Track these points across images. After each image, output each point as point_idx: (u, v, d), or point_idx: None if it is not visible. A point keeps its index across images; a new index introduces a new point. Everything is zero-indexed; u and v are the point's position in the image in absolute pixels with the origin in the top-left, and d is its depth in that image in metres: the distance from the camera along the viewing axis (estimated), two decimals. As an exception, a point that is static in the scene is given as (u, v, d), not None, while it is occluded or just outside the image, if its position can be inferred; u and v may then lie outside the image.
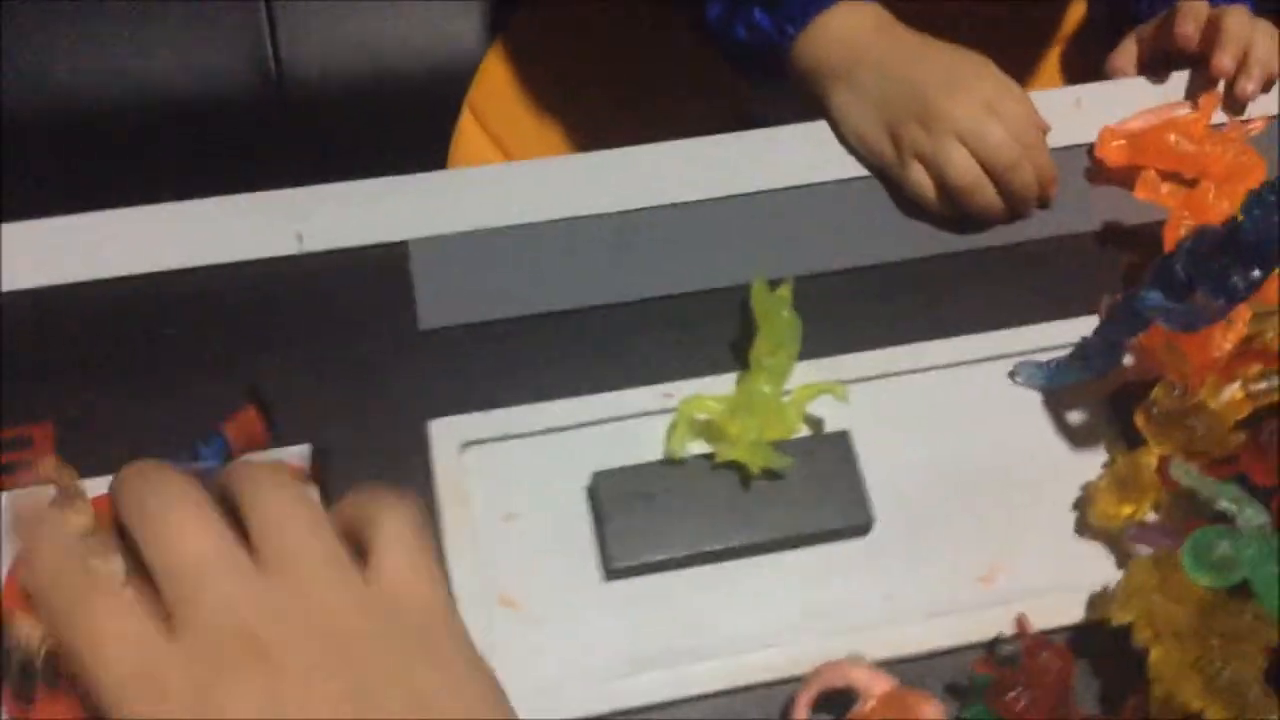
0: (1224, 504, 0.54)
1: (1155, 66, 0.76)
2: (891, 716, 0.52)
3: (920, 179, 0.69)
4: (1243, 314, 0.59)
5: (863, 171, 0.72)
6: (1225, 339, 0.59)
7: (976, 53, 0.70)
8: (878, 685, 0.54)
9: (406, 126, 0.95)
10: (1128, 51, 0.78)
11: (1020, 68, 0.83)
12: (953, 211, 0.69)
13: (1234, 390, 0.58)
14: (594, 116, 0.93)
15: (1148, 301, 0.55)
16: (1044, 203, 0.70)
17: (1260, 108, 0.74)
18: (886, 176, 0.71)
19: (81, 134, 1.00)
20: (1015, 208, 0.69)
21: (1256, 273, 0.52)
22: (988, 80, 0.69)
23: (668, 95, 0.91)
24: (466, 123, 0.95)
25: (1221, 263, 0.52)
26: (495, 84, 0.96)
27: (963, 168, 0.67)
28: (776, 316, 0.62)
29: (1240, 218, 0.52)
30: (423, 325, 0.65)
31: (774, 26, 0.71)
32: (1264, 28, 0.73)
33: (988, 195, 0.68)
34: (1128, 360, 0.62)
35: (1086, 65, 0.86)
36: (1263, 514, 0.54)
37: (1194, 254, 0.54)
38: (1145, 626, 0.55)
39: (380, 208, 0.68)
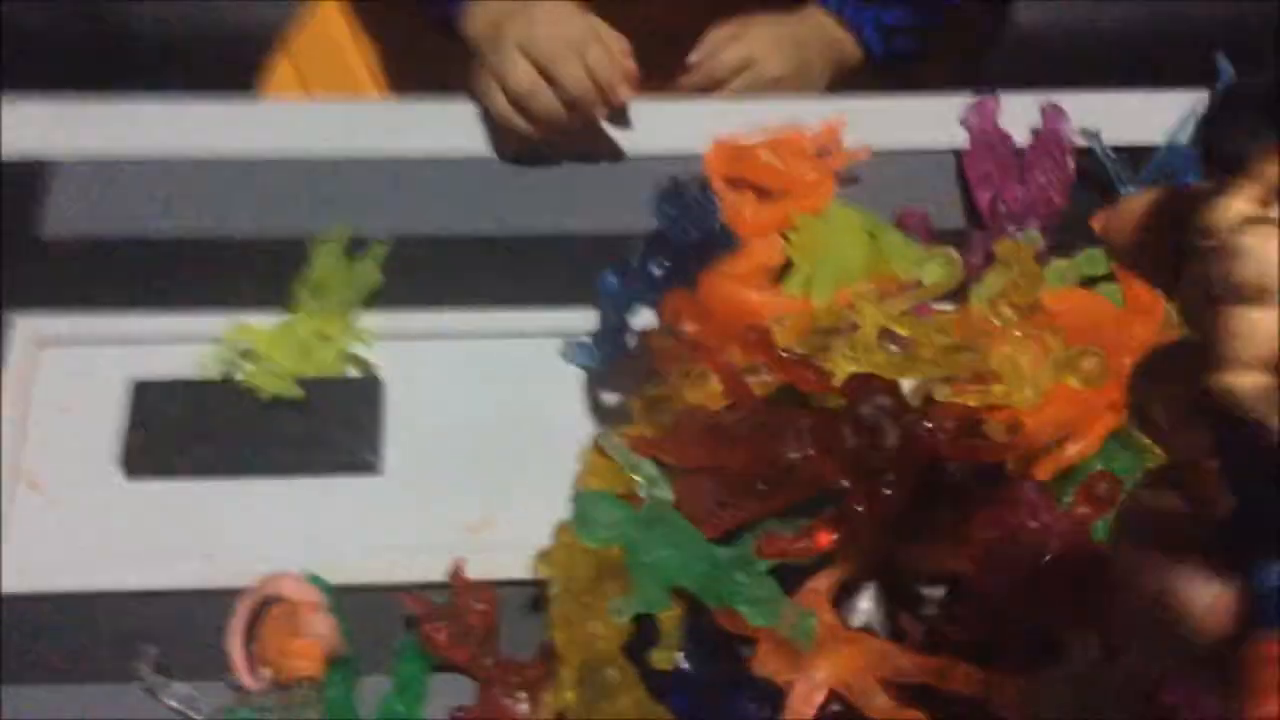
0: (638, 478, 0.58)
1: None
2: (283, 617, 0.57)
3: (493, 97, 0.75)
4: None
5: (483, 151, 0.77)
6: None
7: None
8: (299, 595, 0.59)
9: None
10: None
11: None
12: (531, 130, 0.75)
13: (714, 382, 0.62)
14: (403, 78, 0.99)
15: (604, 285, 0.60)
16: (610, 103, 0.75)
17: (894, 137, 0.77)
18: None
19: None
20: (574, 107, 0.74)
21: (669, 265, 0.56)
22: (561, 11, 0.75)
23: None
24: (282, 67, 1.02)
25: (650, 259, 0.57)
26: (315, 38, 1.02)
27: (519, 72, 0.73)
28: (329, 266, 0.68)
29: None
30: (45, 235, 0.72)
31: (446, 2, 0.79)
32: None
33: (544, 98, 0.74)
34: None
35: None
36: (667, 493, 0.58)
37: (646, 248, 0.58)
38: (556, 581, 0.59)
39: (31, 123, 0.75)
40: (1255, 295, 0.22)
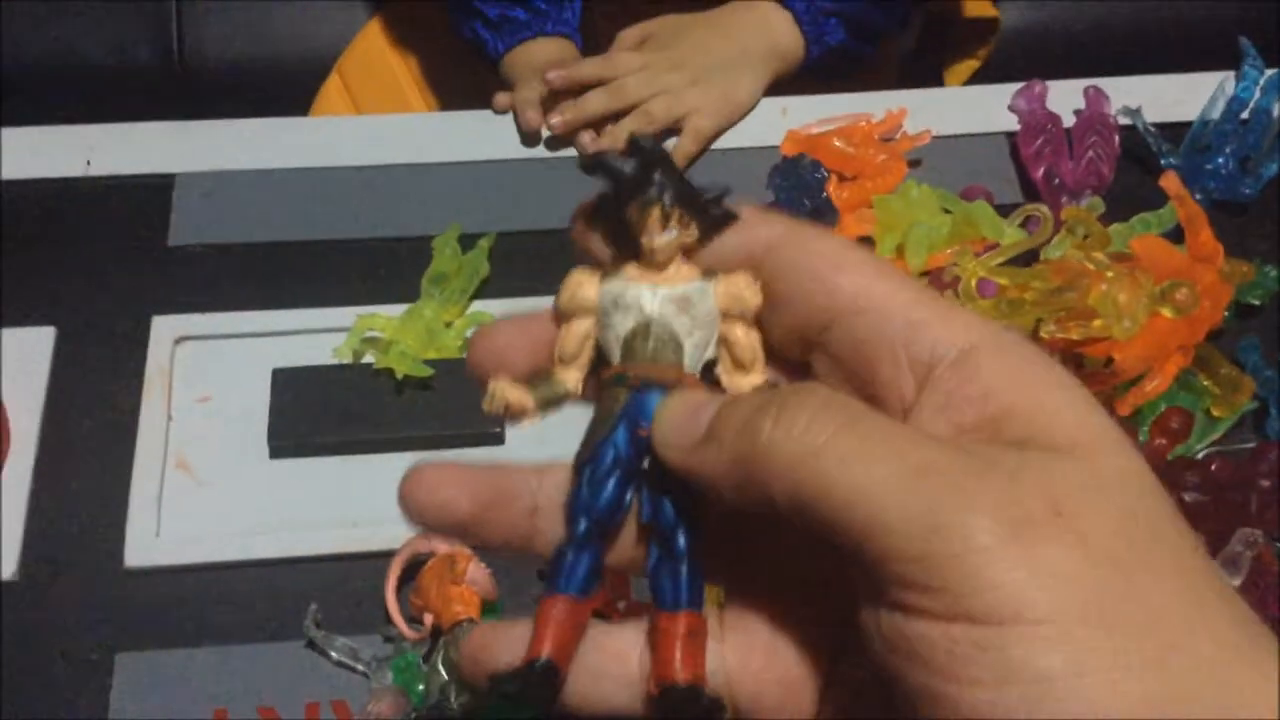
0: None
1: None
2: (442, 567, 0.62)
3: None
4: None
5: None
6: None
7: None
8: (450, 550, 0.64)
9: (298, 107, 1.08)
10: None
11: None
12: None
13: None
14: (443, 92, 1.05)
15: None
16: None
17: (950, 124, 0.83)
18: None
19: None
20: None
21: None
22: None
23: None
24: (331, 82, 1.08)
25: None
26: (364, 51, 1.08)
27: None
28: (446, 256, 0.74)
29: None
30: (171, 242, 0.78)
31: (489, 42, 0.86)
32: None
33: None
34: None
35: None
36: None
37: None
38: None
39: (154, 145, 0.81)
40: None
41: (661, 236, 0.27)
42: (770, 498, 0.24)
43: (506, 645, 0.27)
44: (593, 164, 0.27)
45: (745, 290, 0.27)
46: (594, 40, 0.92)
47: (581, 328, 0.28)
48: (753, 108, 0.85)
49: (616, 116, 0.83)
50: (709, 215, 0.27)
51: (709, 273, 0.27)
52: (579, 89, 0.83)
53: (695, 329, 0.27)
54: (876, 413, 0.24)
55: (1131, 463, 0.24)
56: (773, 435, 0.24)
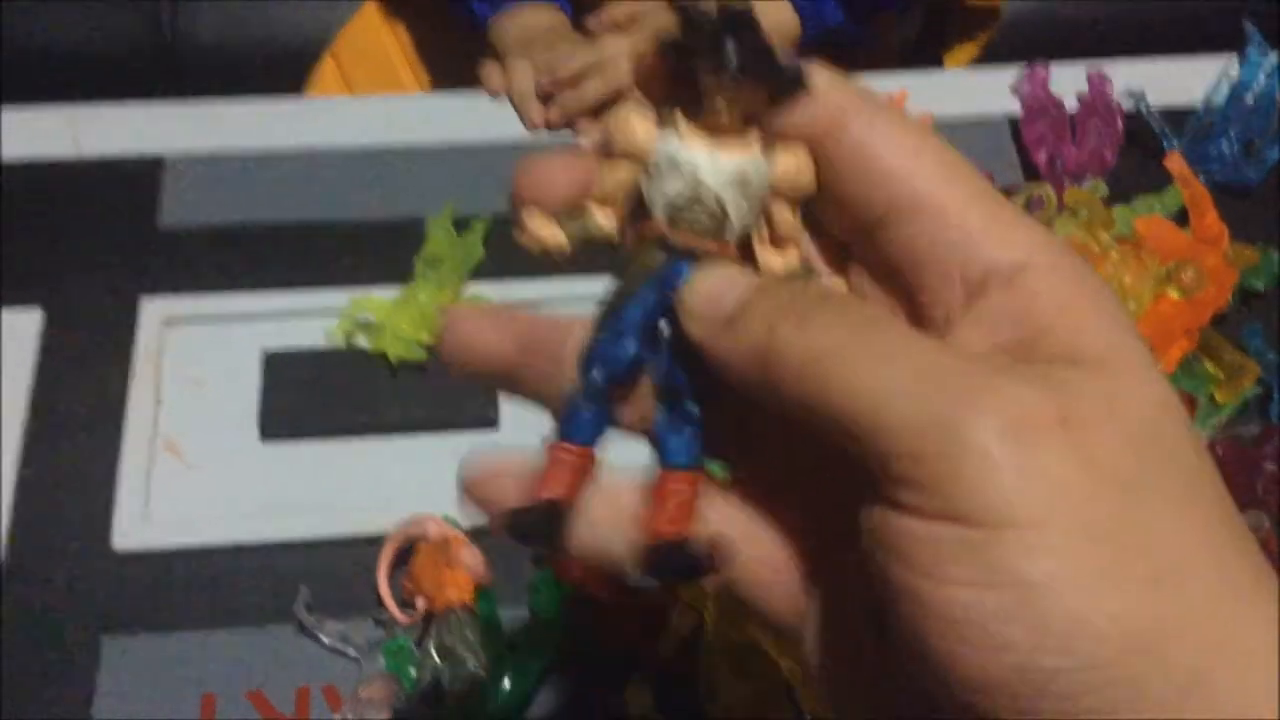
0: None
1: None
2: (435, 551, 0.61)
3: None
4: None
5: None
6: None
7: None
8: (444, 533, 0.63)
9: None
10: None
11: None
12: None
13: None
14: (438, 73, 1.04)
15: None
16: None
17: (951, 107, 0.82)
18: None
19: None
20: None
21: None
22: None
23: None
24: (326, 64, 1.07)
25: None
26: (359, 33, 1.07)
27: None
28: (439, 238, 0.73)
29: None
30: (160, 224, 0.77)
31: (477, 8, 0.87)
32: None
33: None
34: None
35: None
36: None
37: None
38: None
39: (144, 125, 0.80)
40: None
41: (729, 101, 0.26)
42: (779, 398, 0.23)
43: (507, 479, 0.27)
44: (681, 12, 0.26)
45: (802, 173, 0.26)
46: (584, 4, 0.90)
47: (624, 170, 0.27)
48: None
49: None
50: (781, 84, 0.26)
51: (767, 143, 0.26)
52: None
53: (744, 202, 0.26)
54: (896, 320, 0.24)
55: (1158, 388, 0.23)
56: (789, 338, 0.23)
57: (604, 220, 0.27)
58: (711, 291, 0.26)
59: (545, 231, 0.27)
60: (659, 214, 0.27)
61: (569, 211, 0.27)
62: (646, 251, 0.27)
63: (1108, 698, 0.20)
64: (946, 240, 0.24)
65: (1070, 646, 0.20)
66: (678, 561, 0.26)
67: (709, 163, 0.26)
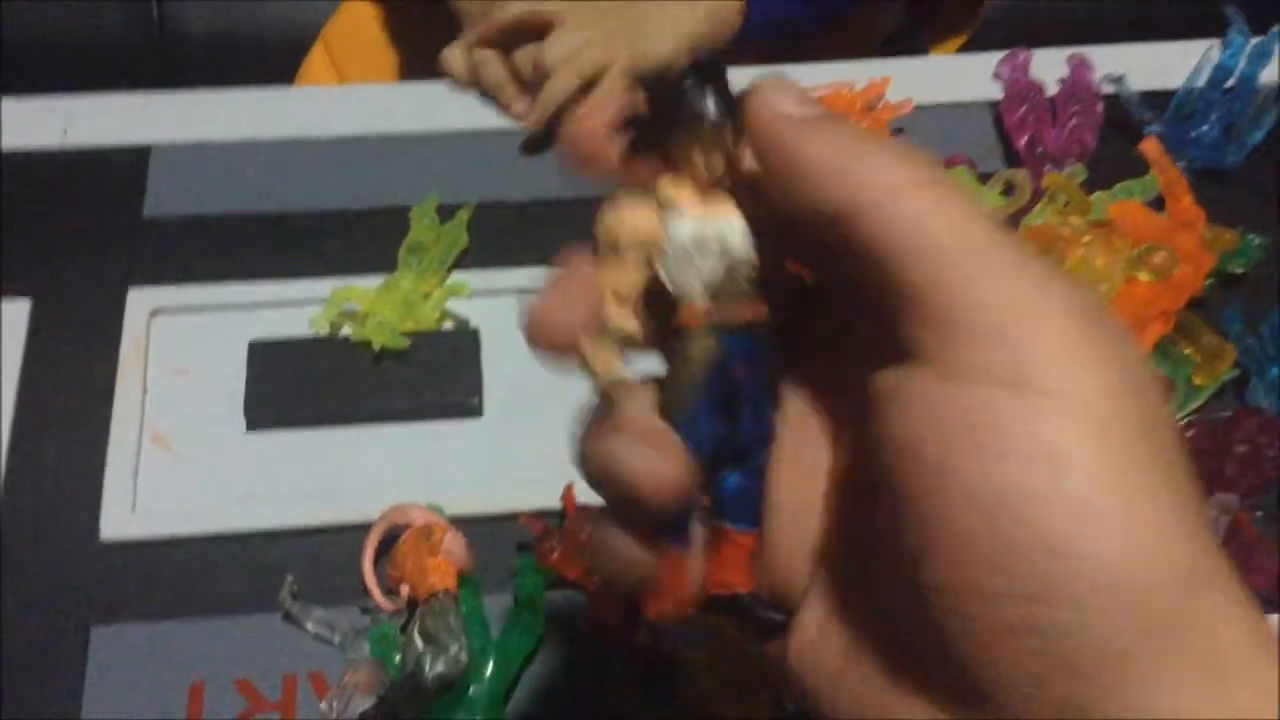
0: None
1: None
2: (419, 538, 0.62)
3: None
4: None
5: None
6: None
7: None
8: (428, 520, 0.64)
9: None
10: None
11: None
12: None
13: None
14: (429, 59, 1.04)
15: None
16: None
17: (933, 93, 0.82)
18: None
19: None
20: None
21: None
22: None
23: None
24: (316, 50, 1.07)
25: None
26: (349, 21, 1.07)
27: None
28: (423, 226, 0.73)
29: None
30: (146, 214, 0.77)
31: None
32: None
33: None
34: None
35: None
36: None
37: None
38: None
39: (130, 115, 0.80)
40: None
41: (708, 154, 0.25)
42: (833, 221, 0.23)
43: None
44: (645, 81, 0.26)
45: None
46: None
47: (633, 267, 0.26)
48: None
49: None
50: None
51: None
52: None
53: (755, 253, 0.26)
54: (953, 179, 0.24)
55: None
56: (869, 162, 0.23)
57: (630, 325, 0.27)
58: (796, 93, 0.25)
59: (599, 366, 0.27)
60: (698, 300, 0.26)
61: (596, 329, 0.27)
62: (695, 339, 0.26)
63: (1117, 601, 0.20)
64: (923, 275, 0.23)
65: (1093, 535, 0.20)
66: (756, 612, 0.28)
67: (730, 229, 0.26)
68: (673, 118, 0.25)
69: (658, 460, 0.26)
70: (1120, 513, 0.20)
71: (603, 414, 0.27)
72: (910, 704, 0.23)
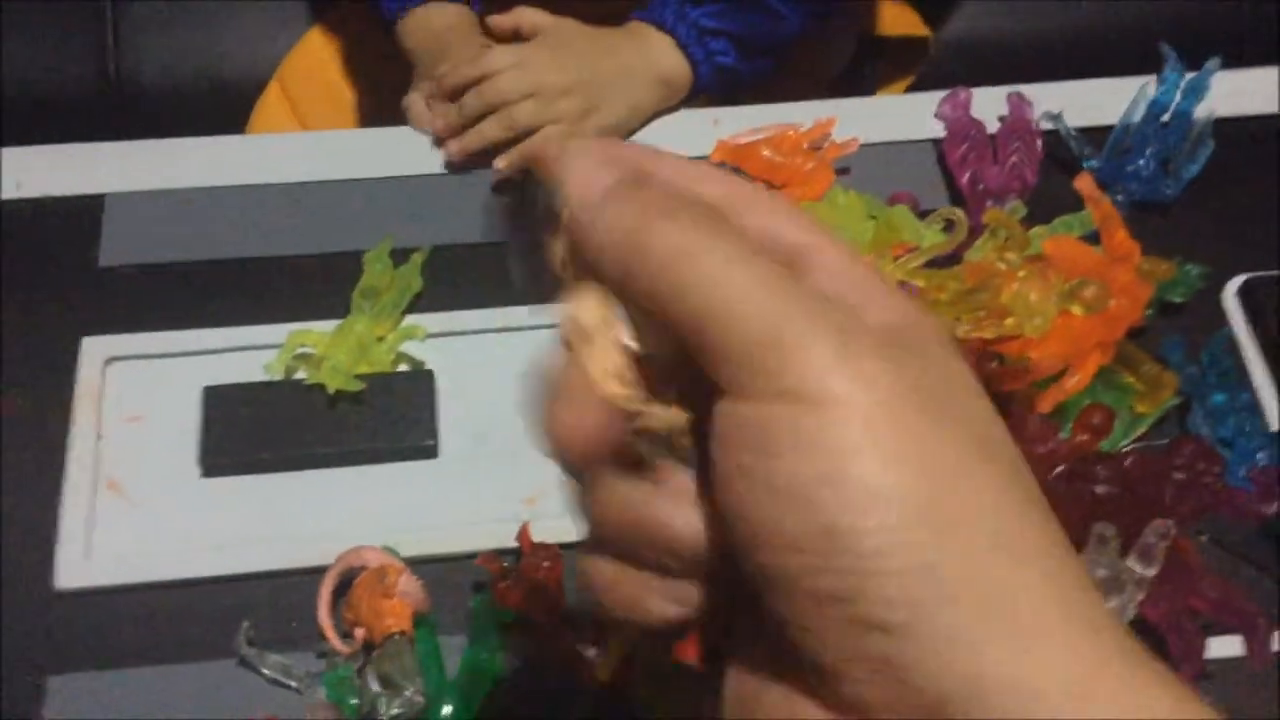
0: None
1: None
2: (373, 580, 0.62)
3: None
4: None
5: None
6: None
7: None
8: (383, 562, 0.64)
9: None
10: None
11: None
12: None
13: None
14: (384, 98, 1.05)
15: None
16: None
17: (878, 132, 0.84)
18: None
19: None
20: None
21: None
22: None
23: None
24: (271, 90, 1.07)
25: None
26: (304, 59, 1.08)
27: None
28: (376, 271, 0.74)
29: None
30: (101, 262, 0.77)
31: (385, 5, 0.88)
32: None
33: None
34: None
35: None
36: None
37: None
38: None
39: (83, 165, 0.81)
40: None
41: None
42: (641, 286, 0.26)
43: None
44: (524, 186, 0.27)
45: None
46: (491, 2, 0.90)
47: (611, 346, 0.27)
48: (628, 133, 0.85)
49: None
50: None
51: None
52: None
53: None
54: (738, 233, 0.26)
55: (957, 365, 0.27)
56: (660, 229, 0.26)
57: (664, 411, 0.27)
58: (589, 176, 0.27)
59: (659, 421, 0.27)
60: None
61: (629, 431, 0.27)
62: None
63: (900, 563, 0.23)
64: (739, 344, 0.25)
65: (867, 508, 0.23)
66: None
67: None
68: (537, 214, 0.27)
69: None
70: (895, 488, 0.23)
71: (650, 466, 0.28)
72: (805, 706, 0.25)
